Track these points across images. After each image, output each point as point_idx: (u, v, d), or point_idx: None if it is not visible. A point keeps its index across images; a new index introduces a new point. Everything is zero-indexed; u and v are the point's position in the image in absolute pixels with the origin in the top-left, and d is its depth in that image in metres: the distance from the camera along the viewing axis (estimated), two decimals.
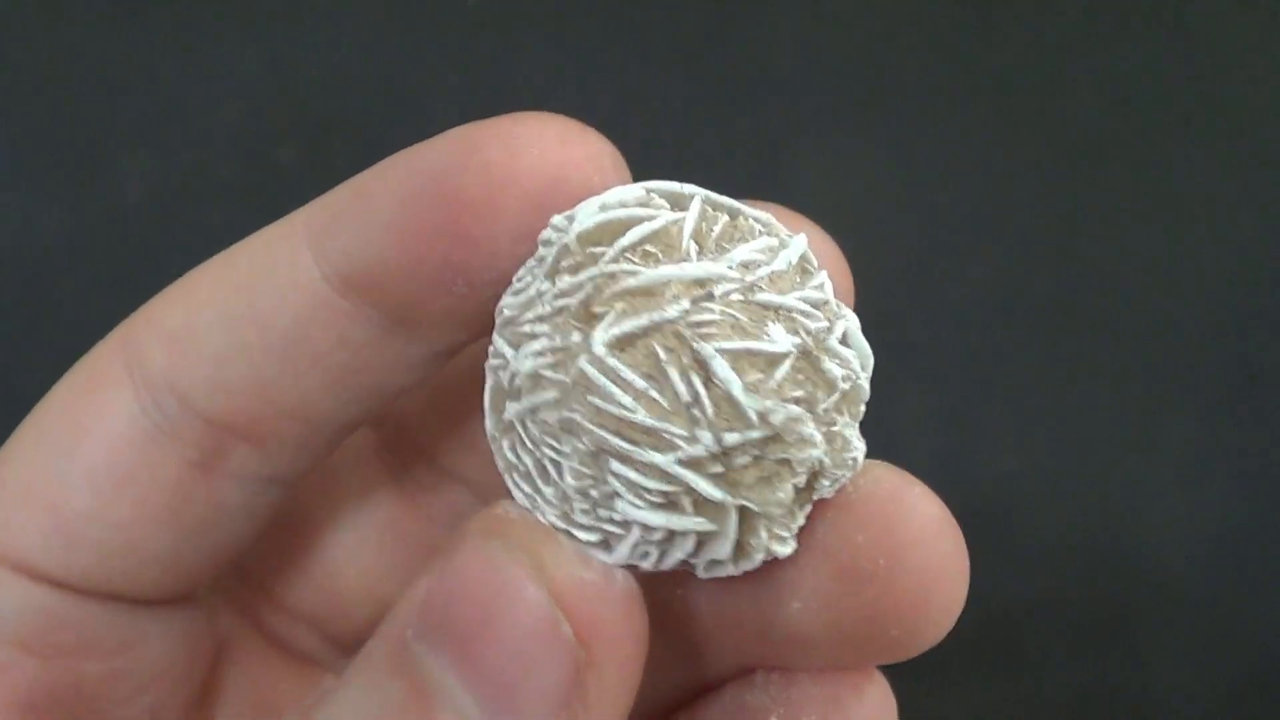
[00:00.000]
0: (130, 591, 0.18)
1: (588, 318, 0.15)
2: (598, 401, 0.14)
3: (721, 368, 0.14)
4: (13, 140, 0.42)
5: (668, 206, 0.16)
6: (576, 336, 0.15)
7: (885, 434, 0.38)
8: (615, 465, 0.15)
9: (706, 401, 0.14)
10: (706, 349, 0.14)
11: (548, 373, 0.15)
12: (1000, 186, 0.42)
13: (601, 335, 0.15)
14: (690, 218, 0.16)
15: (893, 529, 0.16)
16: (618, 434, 0.15)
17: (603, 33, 0.44)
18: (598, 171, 0.16)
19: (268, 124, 0.43)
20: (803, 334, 0.15)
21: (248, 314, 0.17)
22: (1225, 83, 0.43)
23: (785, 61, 0.44)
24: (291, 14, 0.44)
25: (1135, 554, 0.39)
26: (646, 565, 0.16)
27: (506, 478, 0.16)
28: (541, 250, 0.16)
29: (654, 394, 0.14)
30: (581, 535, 0.16)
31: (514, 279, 0.16)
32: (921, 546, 0.16)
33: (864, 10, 0.44)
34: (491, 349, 0.16)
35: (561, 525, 0.16)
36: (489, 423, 0.16)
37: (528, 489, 0.16)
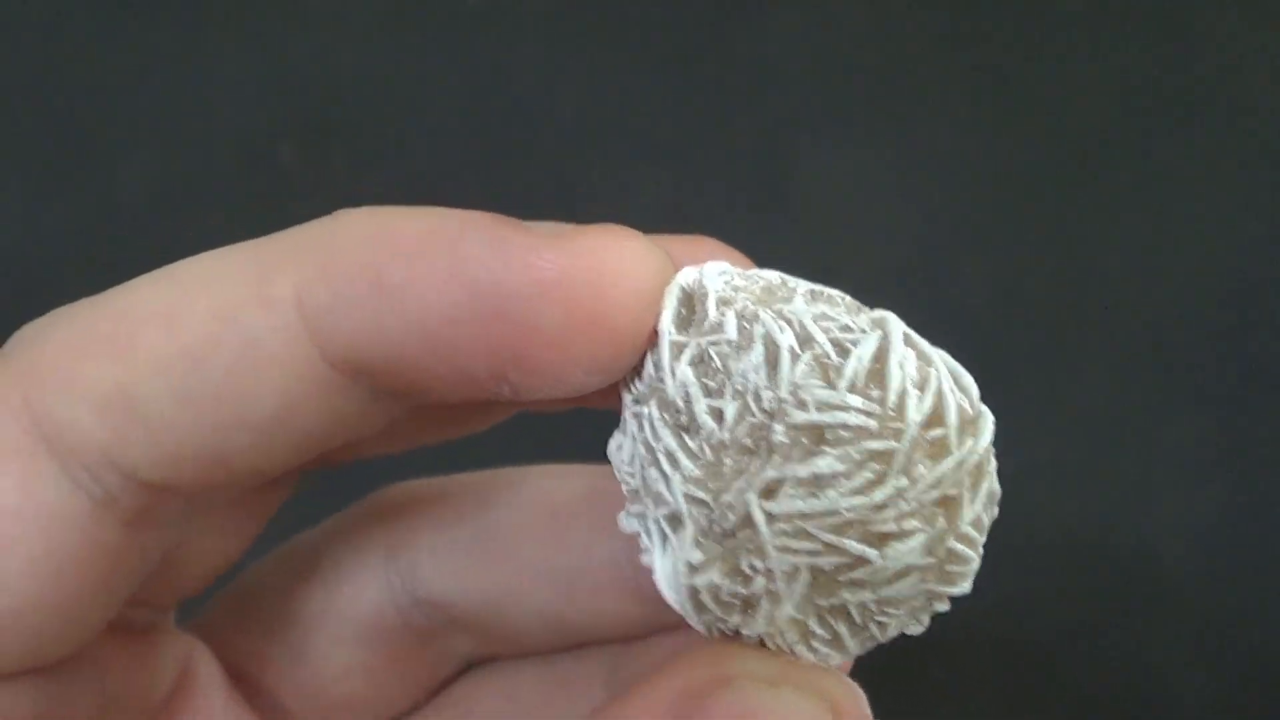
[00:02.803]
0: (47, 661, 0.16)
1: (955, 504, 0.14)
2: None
3: None
4: (13, 140, 0.42)
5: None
6: (942, 523, 0.14)
7: None
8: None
9: None
10: None
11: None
12: (1000, 186, 0.42)
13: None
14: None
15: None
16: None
17: (603, 33, 0.44)
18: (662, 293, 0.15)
19: (268, 124, 0.43)
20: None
21: (217, 390, 0.14)
22: (1225, 83, 0.43)
23: (785, 61, 0.44)
24: (291, 14, 0.44)
25: (1135, 552, 0.39)
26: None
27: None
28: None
29: None
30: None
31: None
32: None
33: (864, 10, 0.44)
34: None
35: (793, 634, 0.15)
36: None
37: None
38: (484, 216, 0.15)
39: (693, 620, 0.15)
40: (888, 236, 0.42)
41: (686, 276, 0.15)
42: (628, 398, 0.15)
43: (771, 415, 0.14)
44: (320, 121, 0.43)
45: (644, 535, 0.15)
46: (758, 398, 0.14)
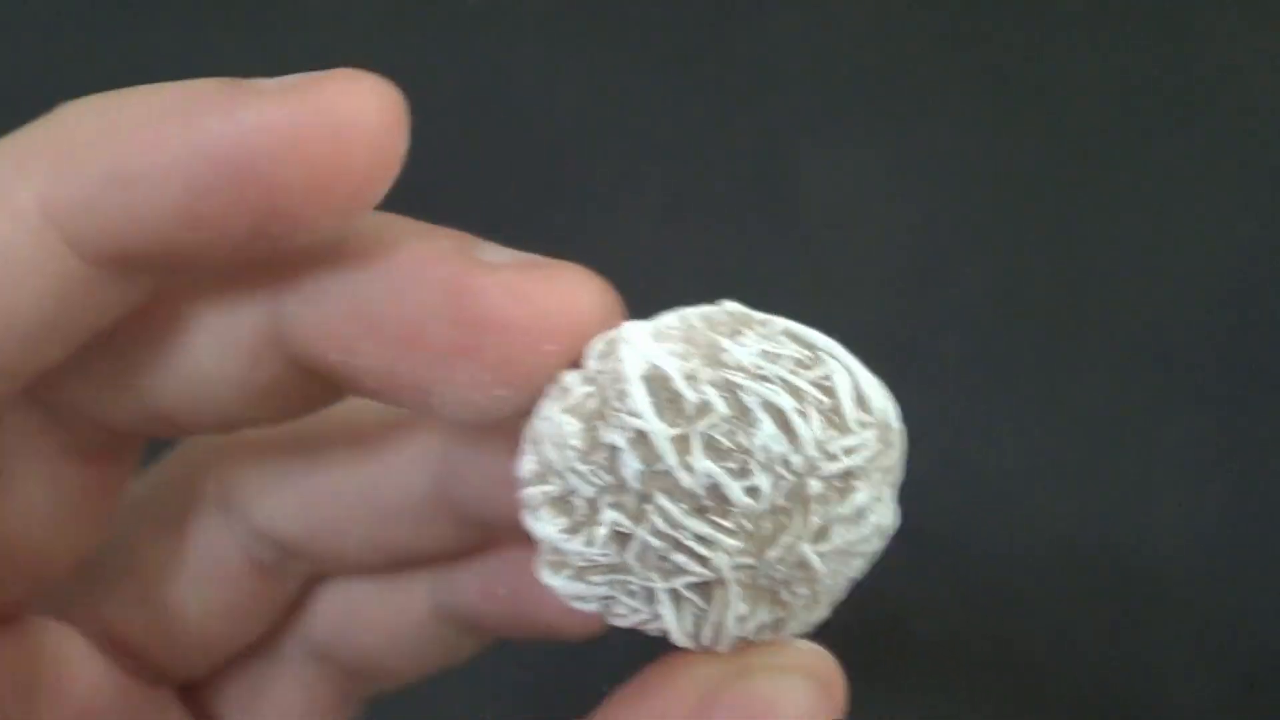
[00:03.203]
0: None
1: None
2: None
3: None
4: None
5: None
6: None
7: None
8: None
9: None
10: None
11: None
12: (1000, 186, 0.42)
13: None
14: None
15: None
16: None
17: (603, 33, 0.44)
18: (400, 125, 0.15)
19: None
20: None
21: None
22: (1225, 83, 0.43)
23: (785, 61, 0.44)
24: (291, 14, 0.44)
25: (1135, 553, 0.39)
26: None
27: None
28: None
29: None
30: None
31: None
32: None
33: (864, 10, 0.44)
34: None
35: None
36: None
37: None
38: (211, 84, 0.15)
39: (698, 644, 0.16)
40: (887, 236, 0.42)
41: (632, 355, 0.15)
42: (590, 490, 0.15)
43: (801, 475, 0.15)
44: None
45: (622, 598, 0.16)
46: (786, 464, 0.15)
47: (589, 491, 0.15)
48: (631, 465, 0.15)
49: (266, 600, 0.20)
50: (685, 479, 0.15)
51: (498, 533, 0.19)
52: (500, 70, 0.44)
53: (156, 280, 0.16)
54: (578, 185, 0.43)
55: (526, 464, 0.16)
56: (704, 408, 0.15)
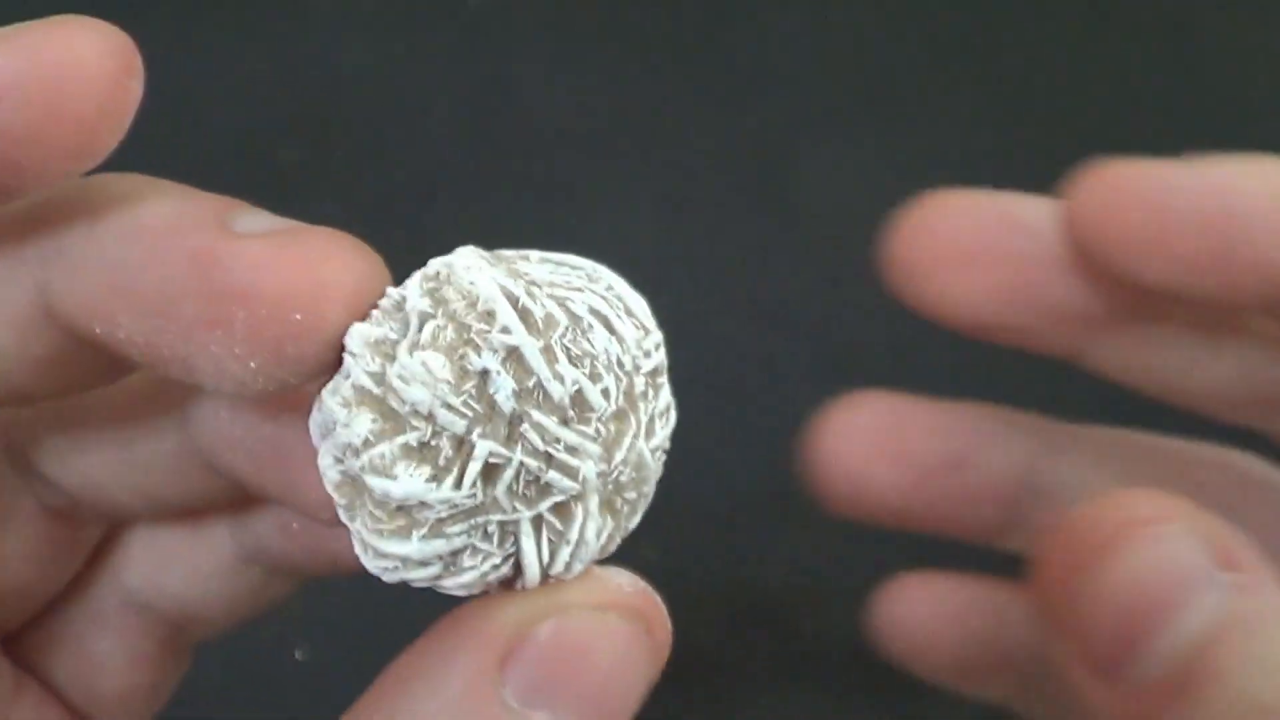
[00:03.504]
0: None
1: None
2: None
3: None
4: None
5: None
6: None
7: None
8: None
9: None
10: None
11: None
12: (1000, 186, 0.42)
13: None
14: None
15: None
16: None
17: (603, 33, 0.44)
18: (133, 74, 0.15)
19: (268, 124, 0.43)
20: None
21: None
22: (1225, 83, 0.43)
23: (785, 61, 0.44)
24: (291, 14, 0.44)
25: None
26: None
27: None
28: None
29: None
30: None
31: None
32: None
33: (864, 10, 0.44)
34: None
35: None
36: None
37: None
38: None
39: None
40: (888, 236, 0.42)
41: (484, 279, 0.15)
42: (461, 425, 0.15)
43: (630, 374, 0.16)
44: (320, 121, 0.43)
45: (478, 543, 0.16)
46: (620, 365, 0.16)
47: (459, 427, 0.15)
48: (505, 387, 0.15)
49: (67, 545, 0.21)
50: (556, 390, 0.15)
51: (247, 489, 0.19)
52: (501, 70, 0.44)
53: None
54: (578, 185, 0.43)
55: (360, 425, 0.15)
56: (550, 320, 0.15)
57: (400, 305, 0.15)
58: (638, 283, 0.17)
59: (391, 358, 0.15)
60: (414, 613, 0.16)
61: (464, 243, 0.17)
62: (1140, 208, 0.19)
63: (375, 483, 0.15)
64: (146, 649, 0.22)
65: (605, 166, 0.43)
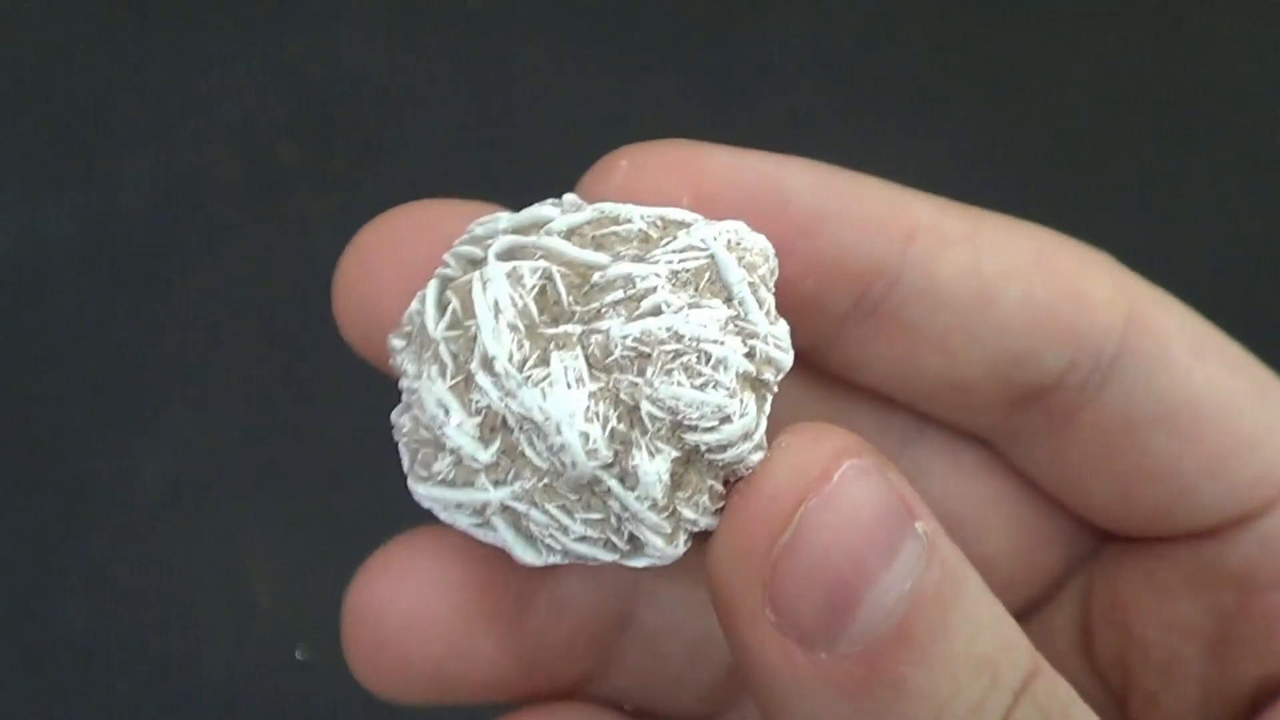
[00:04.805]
0: None
1: None
2: None
3: None
4: (13, 140, 0.42)
5: None
6: None
7: None
8: None
9: None
10: None
11: None
12: (1000, 186, 0.42)
13: None
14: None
15: None
16: None
17: (603, 33, 0.44)
18: None
19: (268, 124, 0.43)
20: None
21: None
22: (1225, 83, 0.43)
23: (784, 61, 0.44)
24: (291, 14, 0.44)
25: None
26: None
27: None
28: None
29: None
30: None
31: None
32: None
33: (864, 9, 0.44)
34: None
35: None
36: None
37: None
38: None
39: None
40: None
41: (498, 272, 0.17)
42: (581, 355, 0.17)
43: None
44: (320, 119, 0.43)
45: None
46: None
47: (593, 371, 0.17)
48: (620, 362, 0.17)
49: None
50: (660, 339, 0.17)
51: None
52: (501, 70, 0.44)
53: None
54: (577, 185, 0.43)
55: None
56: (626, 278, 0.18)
57: None
58: None
59: None
60: None
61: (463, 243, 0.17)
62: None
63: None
64: None
65: None
